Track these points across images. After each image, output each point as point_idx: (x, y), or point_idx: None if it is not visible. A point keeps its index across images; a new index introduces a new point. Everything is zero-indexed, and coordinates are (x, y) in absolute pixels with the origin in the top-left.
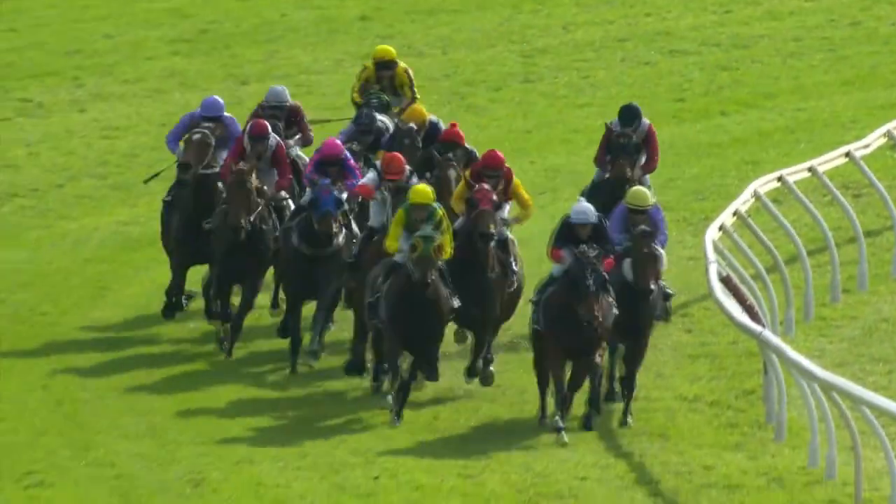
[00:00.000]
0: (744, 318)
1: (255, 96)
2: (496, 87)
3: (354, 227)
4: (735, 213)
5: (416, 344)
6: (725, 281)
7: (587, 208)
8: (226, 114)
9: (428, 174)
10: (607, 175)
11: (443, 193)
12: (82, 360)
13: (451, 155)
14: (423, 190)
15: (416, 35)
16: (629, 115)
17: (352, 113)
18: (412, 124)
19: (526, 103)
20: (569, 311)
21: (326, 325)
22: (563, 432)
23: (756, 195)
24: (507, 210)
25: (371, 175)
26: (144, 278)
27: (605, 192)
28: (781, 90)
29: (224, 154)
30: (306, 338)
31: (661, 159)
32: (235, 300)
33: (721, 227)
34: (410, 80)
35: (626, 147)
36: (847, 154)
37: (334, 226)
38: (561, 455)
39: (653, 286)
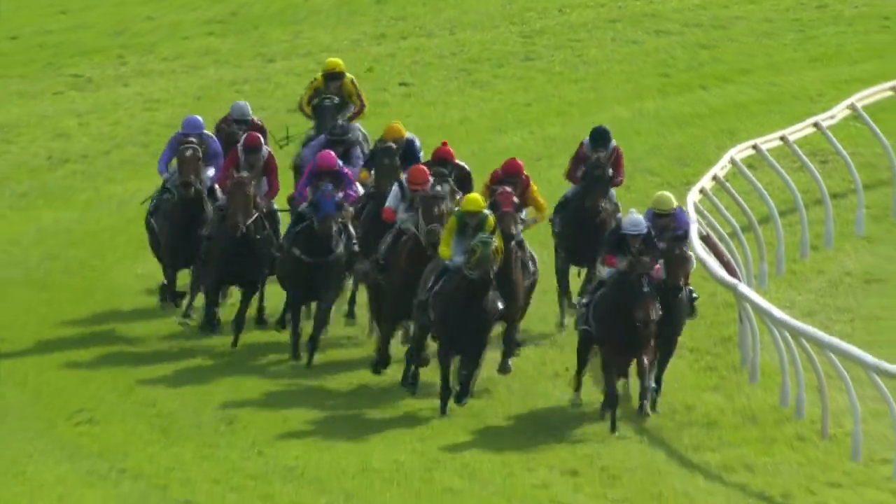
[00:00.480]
0: (721, 272)
1: (280, 73)
2: (499, 64)
3: (352, 229)
4: (714, 178)
5: (463, 344)
6: (705, 239)
7: (639, 220)
8: (205, 131)
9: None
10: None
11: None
12: (127, 307)
13: (444, 170)
14: (474, 198)
15: (427, 17)
16: (600, 137)
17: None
18: (391, 143)
19: (526, 79)
20: (621, 313)
21: (325, 326)
22: (614, 423)
23: (733, 161)
24: (525, 213)
25: (395, 190)
26: None
27: (575, 210)
28: (756, 66)
29: (210, 170)
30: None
31: (648, 128)
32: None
33: (701, 191)
34: (357, 89)
35: (600, 179)
36: (815, 124)
37: (334, 227)
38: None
39: (682, 284)
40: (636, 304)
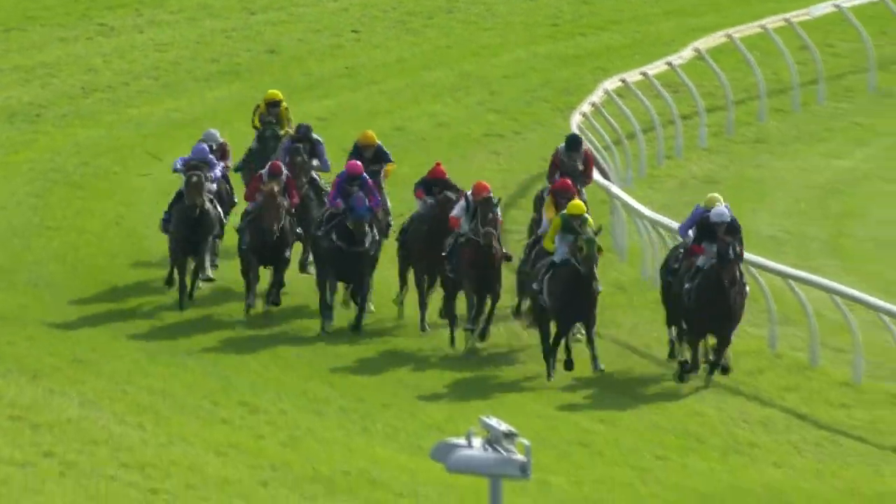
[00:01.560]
0: (599, 176)
1: (261, 23)
2: (428, 16)
3: (376, 230)
4: (591, 104)
5: (574, 322)
6: (585, 152)
7: (724, 210)
8: (209, 156)
9: (430, 198)
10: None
11: (442, 221)
12: (147, 205)
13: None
14: (578, 204)
15: None
16: (574, 143)
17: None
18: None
19: (448, 27)
20: (714, 293)
21: (367, 304)
22: (686, 377)
23: (606, 91)
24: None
25: (461, 203)
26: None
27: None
28: (624, 18)
29: (217, 170)
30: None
31: (541, 66)
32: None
33: (582, 114)
34: (289, 114)
35: (574, 173)
36: (668, 63)
37: (366, 227)
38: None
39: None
40: (724, 269)
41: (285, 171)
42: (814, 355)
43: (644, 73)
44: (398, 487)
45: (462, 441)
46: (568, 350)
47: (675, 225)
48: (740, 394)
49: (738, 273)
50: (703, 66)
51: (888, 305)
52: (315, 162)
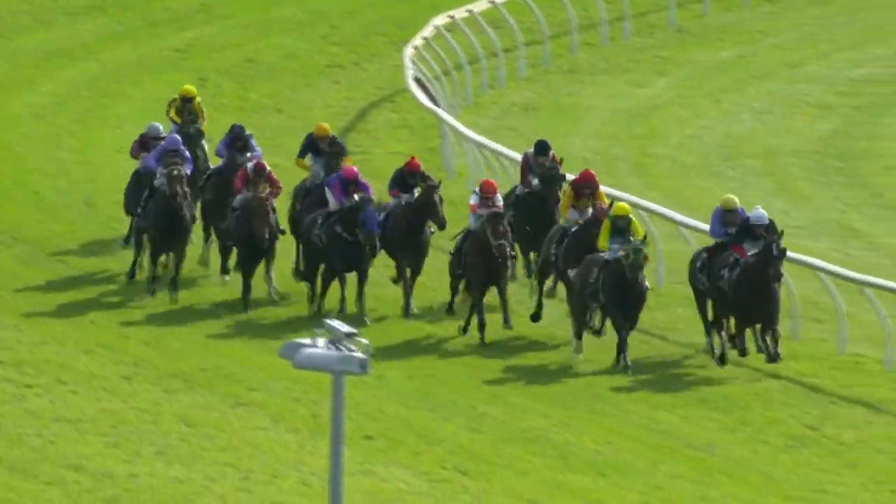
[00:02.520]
0: (430, 103)
1: None
2: None
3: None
4: (423, 38)
5: (628, 316)
6: (418, 81)
7: (763, 214)
8: (181, 147)
9: (414, 192)
10: (529, 190)
11: (429, 205)
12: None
13: (437, 181)
14: (623, 206)
15: None
16: (542, 147)
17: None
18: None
19: None
20: (756, 288)
21: (363, 291)
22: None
23: (436, 27)
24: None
25: (474, 197)
26: (58, 77)
27: (529, 206)
28: None
29: (188, 168)
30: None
31: (378, 4)
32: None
33: (414, 47)
34: (202, 108)
35: (555, 178)
36: (491, 1)
37: (377, 240)
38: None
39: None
40: (773, 280)
41: (267, 168)
42: None
43: (470, 11)
44: (251, 382)
45: (308, 341)
46: (621, 350)
47: (503, 149)
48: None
49: (781, 268)
50: (521, 4)
51: (690, 220)
52: (249, 154)
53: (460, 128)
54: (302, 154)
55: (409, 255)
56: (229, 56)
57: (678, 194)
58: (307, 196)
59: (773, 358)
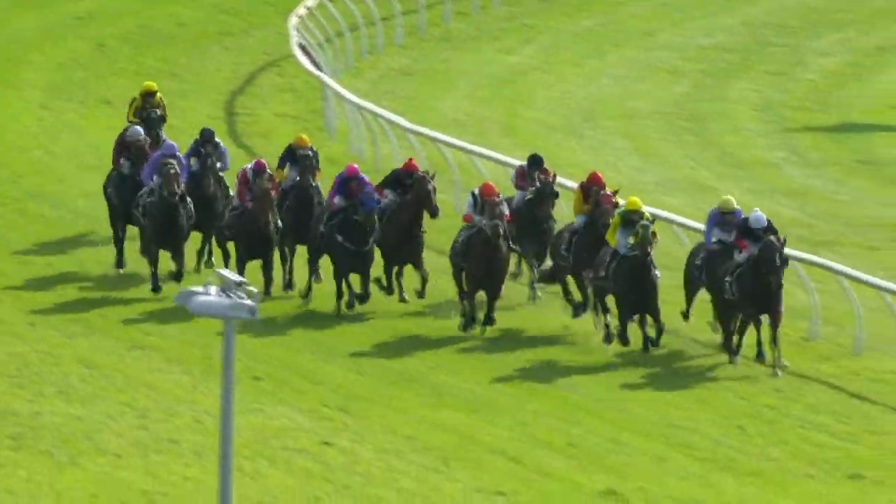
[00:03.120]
0: (313, 68)
1: None
2: None
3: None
4: (307, 7)
5: (639, 304)
6: (302, 47)
7: (761, 216)
8: (177, 152)
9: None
10: (528, 197)
11: (424, 200)
12: None
13: (428, 174)
14: (634, 200)
15: None
16: (536, 162)
17: None
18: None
19: None
20: (758, 284)
21: (367, 288)
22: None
23: None
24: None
25: (469, 200)
26: None
27: (527, 213)
28: None
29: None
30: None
31: None
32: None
33: (298, 16)
34: (163, 102)
35: (549, 194)
36: None
37: (375, 219)
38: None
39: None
40: (772, 274)
41: (268, 170)
42: None
43: None
44: (148, 328)
45: (201, 289)
46: (644, 335)
47: (381, 111)
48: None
49: (782, 272)
50: None
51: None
52: (218, 164)
53: (341, 91)
54: (281, 164)
55: (405, 251)
56: (126, 23)
57: (543, 153)
58: (285, 198)
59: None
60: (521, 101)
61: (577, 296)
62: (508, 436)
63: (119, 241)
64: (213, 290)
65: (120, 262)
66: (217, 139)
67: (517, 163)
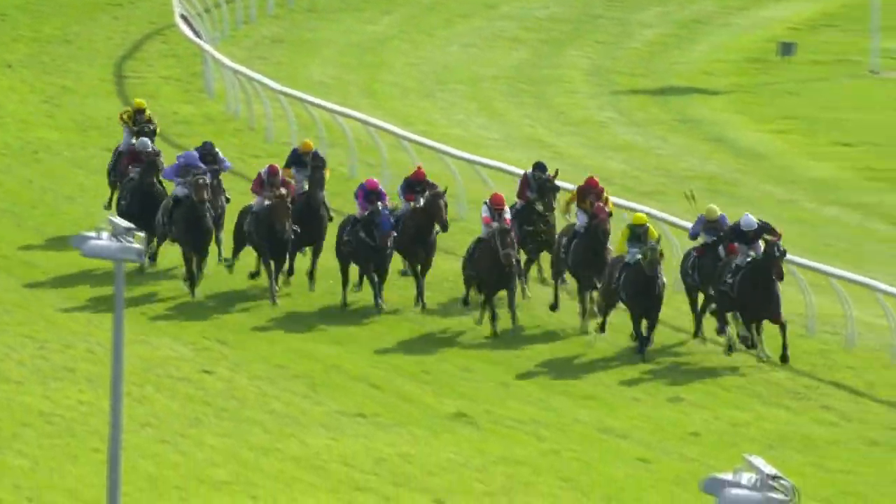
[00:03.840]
0: (194, 36)
1: None
2: None
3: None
4: None
5: (646, 312)
6: (183, 17)
7: (752, 219)
8: (199, 162)
9: (420, 198)
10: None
11: (434, 210)
12: None
13: (443, 189)
14: (640, 216)
15: None
16: (541, 166)
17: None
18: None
19: None
20: (757, 284)
21: (382, 288)
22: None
23: None
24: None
25: (485, 207)
26: None
27: (527, 216)
28: None
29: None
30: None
31: None
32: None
33: None
34: (152, 118)
35: (550, 188)
36: None
37: (389, 241)
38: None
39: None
40: (774, 275)
41: (281, 173)
42: None
43: None
44: (45, 268)
45: (93, 234)
46: (639, 335)
47: (256, 75)
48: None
49: (782, 266)
50: None
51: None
52: (216, 167)
53: (219, 56)
54: (287, 165)
55: (420, 253)
56: None
57: (400, 112)
58: (294, 203)
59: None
60: (380, 66)
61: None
62: (370, 364)
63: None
64: (104, 235)
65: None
66: (216, 150)
67: (385, 125)
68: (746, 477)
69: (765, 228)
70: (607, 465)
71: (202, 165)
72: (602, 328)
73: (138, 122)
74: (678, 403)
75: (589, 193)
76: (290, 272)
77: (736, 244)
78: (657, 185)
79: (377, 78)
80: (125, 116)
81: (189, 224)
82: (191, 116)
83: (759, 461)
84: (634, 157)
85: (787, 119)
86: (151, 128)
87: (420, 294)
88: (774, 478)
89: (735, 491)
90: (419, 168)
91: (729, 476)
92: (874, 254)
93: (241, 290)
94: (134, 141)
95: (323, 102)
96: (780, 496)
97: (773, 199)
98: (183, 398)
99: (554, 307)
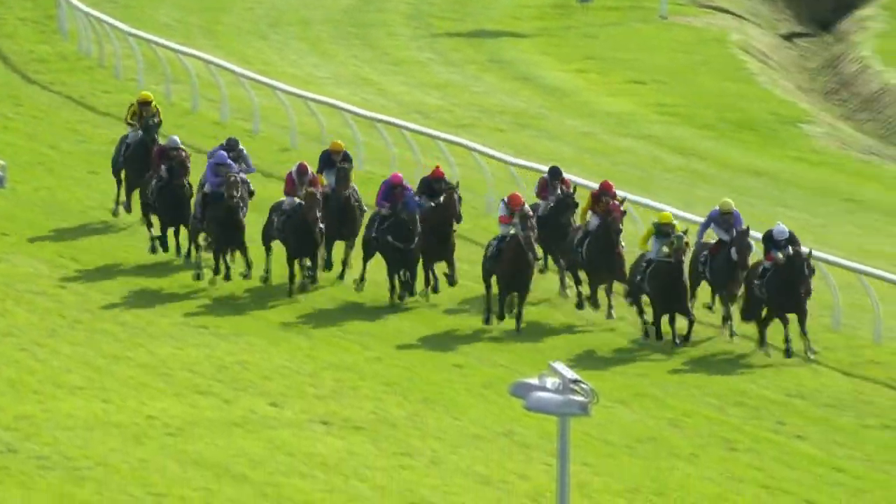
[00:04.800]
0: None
1: None
2: None
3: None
4: None
5: (672, 306)
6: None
7: (784, 228)
8: (229, 161)
9: (434, 197)
10: (551, 205)
11: (449, 208)
12: None
13: (455, 183)
14: (666, 214)
15: None
16: (556, 172)
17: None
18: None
19: None
20: (785, 286)
21: (415, 281)
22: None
23: None
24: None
25: (502, 207)
26: None
27: (553, 218)
28: None
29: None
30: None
31: None
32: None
33: None
34: (158, 109)
35: (570, 206)
36: None
37: (417, 219)
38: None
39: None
40: (801, 281)
41: (311, 171)
42: None
43: None
44: None
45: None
46: (657, 329)
47: (106, 17)
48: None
49: (809, 273)
50: None
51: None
52: (242, 165)
53: (72, 0)
54: (320, 170)
55: (440, 247)
56: None
57: (238, 52)
58: (325, 202)
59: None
60: (220, 9)
61: (586, 290)
62: (213, 282)
63: (150, 231)
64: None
65: (154, 248)
66: (241, 146)
67: (224, 63)
68: (550, 381)
69: (794, 239)
70: (426, 370)
71: (233, 164)
72: (656, 331)
73: (143, 114)
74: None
75: (603, 195)
76: (328, 266)
77: (771, 252)
78: (471, 119)
79: (217, 20)
80: (129, 117)
81: (222, 220)
82: (46, 55)
83: (562, 367)
84: (450, 93)
85: (587, 60)
86: (156, 121)
87: (451, 275)
88: (575, 382)
89: (539, 394)
90: (437, 167)
91: (535, 381)
92: (663, 181)
93: (97, 220)
94: (144, 135)
95: (167, 42)
96: (580, 398)
97: (574, 131)
98: (41, 311)
99: (580, 306)
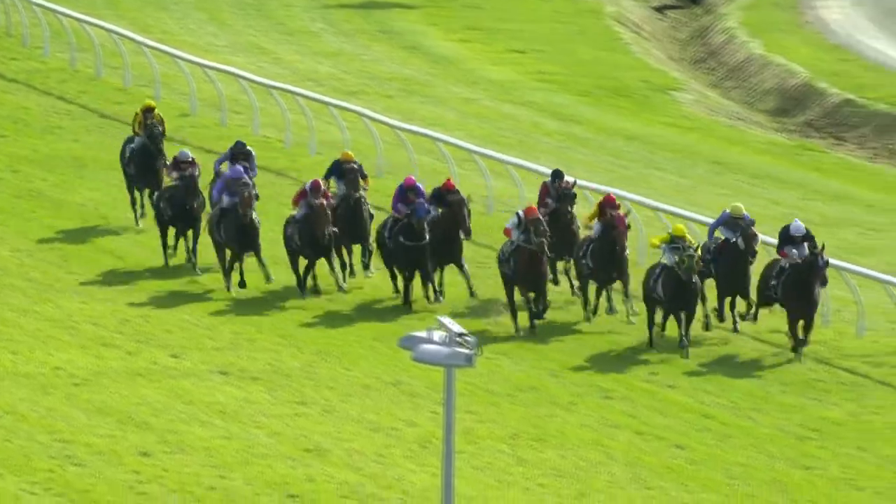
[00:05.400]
0: None
1: None
2: None
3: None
4: None
5: (681, 313)
6: None
7: (800, 225)
8: (244, 175)
9: (439, 206)
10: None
11: (457, 218)
12: None
13: (465, 196)
14: (680, 227)
15: None
16: (558, 174)
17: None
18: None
19: None
20: (799, 285)
21: (433, 282)
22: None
23: None
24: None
25: (513, 220)
26: None
27: (557, 219)
28: None
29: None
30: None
31: None
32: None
33: None
34: (162, 119)
35: (569, 196)
36: None
37: (426, 225)
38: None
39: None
40: (816, 277)
41: (324, 186)
42: None
43: None
44: None
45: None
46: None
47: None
48: None
49: (826, 273)
50: None
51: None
52: (246, 164)
53: (120, 31)
54: (327, 176)
55: (448, 252)
56: None
57: (140, 21)
58: (337, 208)
59: (804, 343)
60: None
61: (591, 298)
62: (116, 240)
63: (165, 245)
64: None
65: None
66: (249, 148)
67: (126, 32)
68: (438, 335)
69: (810, 236)
70: (321, 324)
71: (248, 181)
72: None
73: (147, 121)
74: (383, 273)
75: (609, 207)
76: (345, 268)
77: (785, 249)
78: (361, 86)
79: None
80: (136, 126)
81: (238, 231)
82: None
83: (449, 321)
84: (342, 62)
85: (471, 30)
86: (160, 129)
87: (468, 281)
88: (461, 335)
89: (426, 346)
90: (448, 180)
91: (422, 333)
92: (543, 144)
93: (28, 187)
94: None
95: (71, 12)
96: (465, 350)
97: (459, 98)
98: None
99: (588, 318)
